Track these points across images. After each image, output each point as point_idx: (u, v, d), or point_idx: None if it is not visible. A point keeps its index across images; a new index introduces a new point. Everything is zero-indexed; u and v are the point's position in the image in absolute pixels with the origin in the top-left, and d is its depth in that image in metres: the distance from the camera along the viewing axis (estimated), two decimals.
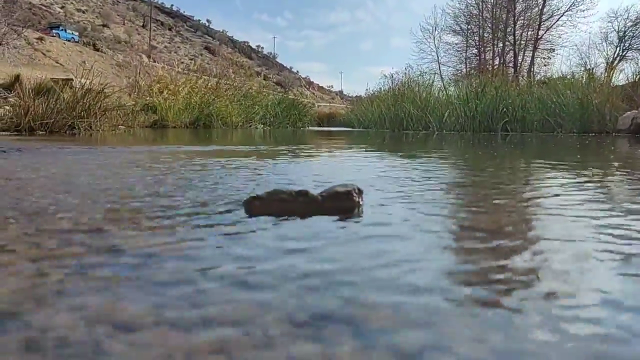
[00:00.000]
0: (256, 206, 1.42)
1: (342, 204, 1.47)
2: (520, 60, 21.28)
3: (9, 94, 10.51)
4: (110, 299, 0.71)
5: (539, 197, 1.76)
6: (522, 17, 21.46)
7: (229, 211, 1.42)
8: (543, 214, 1.45)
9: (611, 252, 0.96)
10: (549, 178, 2.35)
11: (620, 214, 1.41)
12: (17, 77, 11.47)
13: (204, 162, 2.83)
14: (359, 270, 0.86)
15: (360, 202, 1.50)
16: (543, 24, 20.84)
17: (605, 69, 11.21)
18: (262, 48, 76.35)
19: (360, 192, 1.51)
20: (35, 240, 1.03)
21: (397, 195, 1.75)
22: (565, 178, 2.30)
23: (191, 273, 0.82)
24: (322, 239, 1.12)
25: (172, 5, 68.96)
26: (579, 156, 4.10)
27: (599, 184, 2.13)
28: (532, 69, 20.08)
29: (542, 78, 14.77)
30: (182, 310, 0.67)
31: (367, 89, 22.67)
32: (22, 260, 0.89)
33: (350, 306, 0.69)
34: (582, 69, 11.44)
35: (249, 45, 72.90)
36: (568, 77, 11.96)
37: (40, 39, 23.73)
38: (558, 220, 1.32)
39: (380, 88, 17.67)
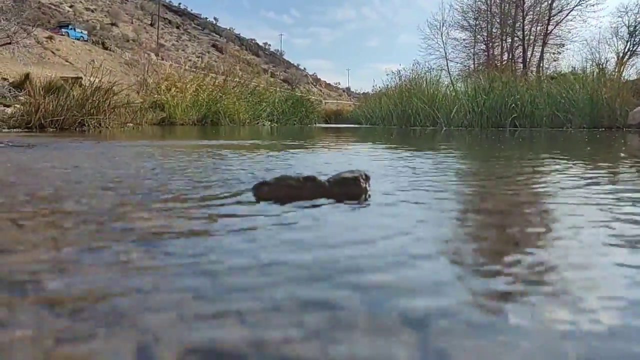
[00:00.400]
0: (264, 191, 1.44)
1: (350, 189, 1.48)
2: (529, 56, 21.14)
3: (19, 92, 10.60)
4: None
5: (544, 185, 1.76)
6: (531, 12, 21.30)
7: (238, 194, 1.49)
8: (546, 199, 1.46)
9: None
10: (555, 170, 2.34)
11: (620, 196, 1.42)
12: (27, 76, 11.56)
13: (216, 154, 2.95)
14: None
15: (368, 188, 1.52)
16: (552, 19, 20.67)
17: (616, 64, 11.11)
18: (269, 45, 76.43)
19: (367, 178, 1.52)
20: (51, 219, 1.08)
21: (406, 182, 1.80)
22: (573, 169, 2.29)
23: (201, 247, 0.86)
24: (328, 215, 1.19)
25: (179, 3, 69.23)
26: (588, 148, 4.07)
27: (604, 172, 2.12)
28: (541, 64, 19.94)
29: (552, 73, 14.64)
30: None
31: (373, 86, 22.53)
32: (39, 237, 0.94)
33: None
34: (592, 63, 11.33)
35: (256, 43, 72.96)
36: (578, 72, 11.86)
37: (50, 37, 23.88)
38: (564, 203, 1.34)
39: (388, 85, 17.61)
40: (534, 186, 1.78)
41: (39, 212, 1.15)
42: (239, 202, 1.35)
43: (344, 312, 0.59)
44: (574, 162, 2.70)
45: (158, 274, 0.73)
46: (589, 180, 1.83)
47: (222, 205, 1.30)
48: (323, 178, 1.46)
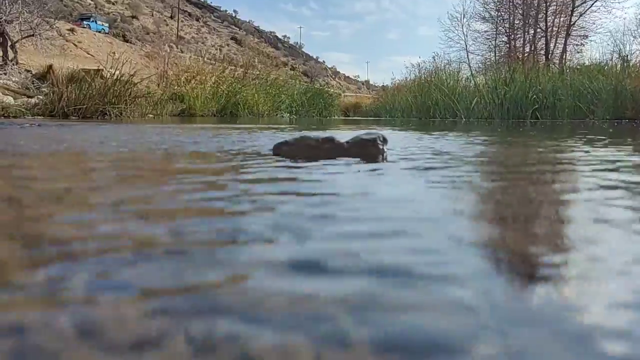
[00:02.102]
0: (284, 150, 1.46)
1: (367, 150, 1.49)
2: (552, 48, 20.74)
3: (42, 83, 10.78)
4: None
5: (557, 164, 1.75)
6: (554, 3, 20.85)
7: (259, 153, 1.72)
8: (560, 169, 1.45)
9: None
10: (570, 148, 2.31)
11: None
12: (50, 67, 11.74)
13: (243, 132, 3.17)
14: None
15: (385, 150, 1.53)
16: (576, 10, 20.21)
17: None
18: (288, 38, 76.23)
19: (385, 140, 1.53)
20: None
21: (421, 151, 1.89)
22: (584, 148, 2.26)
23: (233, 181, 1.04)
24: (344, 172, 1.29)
25: None
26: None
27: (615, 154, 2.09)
28: (564, 56, 19.56)
29: (575, 65, 14.36)
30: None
31: (392, 78, 22.38)
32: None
33: None
34: (617, 55, 11.10)
35: (275, 36, 72.88)
36: (602, 63, 11.64)
37: (72, 30, 24.14)
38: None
39: (407, 77, 17.45)
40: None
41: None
42: (259, 155, 1.63)
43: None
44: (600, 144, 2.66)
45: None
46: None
47: (247, 158, 1.58)
48: (342, 139, 1.49)
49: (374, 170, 1.34)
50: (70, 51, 20.31)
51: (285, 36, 76.25)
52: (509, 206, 0.99)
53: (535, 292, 0.52)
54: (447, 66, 14.73)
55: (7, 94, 8.67)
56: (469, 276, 0.55)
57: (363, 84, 71.78)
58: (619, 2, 19.23)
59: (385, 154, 1.56)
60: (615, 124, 7.62)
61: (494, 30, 22.19)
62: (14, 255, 0.62)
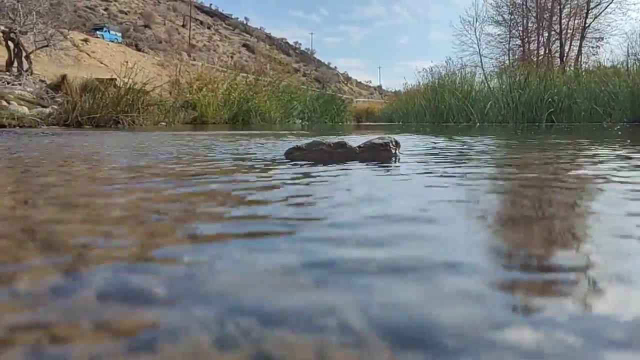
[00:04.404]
0: (296, 155, 1.43)
1: (380, 154, 1.45)
2: (566, 50, 20.52)
3: (56, 93, 10.88)
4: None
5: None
6: (568, 5, 20.64)
7: (274, 158, 1.76)
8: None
9: None
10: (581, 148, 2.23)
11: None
12: (64, 77, 11.85)
13: (255, 138, 3.31)
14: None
15: (398, 153, 1.49)
16: (591, 12, 19.98)
17: None
18: (300, 44, 76.54)
19: (397, 144, 1.49)
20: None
21: (434, 154, 1.92)
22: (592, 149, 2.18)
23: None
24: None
25: (210, 4, 70.01)
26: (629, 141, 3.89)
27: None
28: (579, 59, 19.33)
29: (591, 67, 14.17)
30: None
31: (405, 83, 22.24)
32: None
33: None
34: (634, 57, 10.91)
35: (287, 42, 73.19)
36: (618, 66, 11.46)
37: (86, 40, 24.44)
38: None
39: (419, 82, 17.32)
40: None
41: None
42: (273, 161, 1.68)
43: None
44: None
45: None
46: None
47: (262, 163, 1.65)
48: (354, 144, 1.45)
49: (388, 172, 1.33)
50: (84, 61, 20.54)
51: (297, 42, 76.63)
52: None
53: None
54: (460, 70, 14.61)
55: (22, 104, 8.75)
56: None
57: (375, 89, 71.79)
58: (634, 4, 19.02)
59: (397, 157, 1.51)
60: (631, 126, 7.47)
61: (508, 33, 22.04)
62: None
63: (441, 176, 1.31)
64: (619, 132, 5.17)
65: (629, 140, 3.54)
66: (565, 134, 5.13)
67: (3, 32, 12.79)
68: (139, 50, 33.72)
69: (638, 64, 10.64)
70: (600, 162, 1.81)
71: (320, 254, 0.66)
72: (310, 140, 1.54)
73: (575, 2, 20.56)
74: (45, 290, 0.54)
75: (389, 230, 0.78)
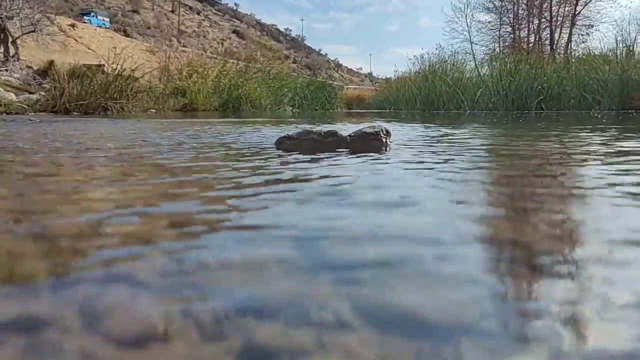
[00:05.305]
0: (287, 144, 1.43)
1: (371, 143, 1.45)
2: (557, 38, 20.55)
3: (43, 79, 10.74)
4: None
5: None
6: None
7: (264, 147, 1.73)
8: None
9: None
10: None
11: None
12: (51, 63, 11.70)
13: (247, 125, 3.29)
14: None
15: (388, 142, 1.50)
16: None
17: None
18: (290, 31, 75.87)
19: (388, 133, 1.50)
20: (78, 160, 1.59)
21: (424, 142, 1.92)
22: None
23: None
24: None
25: None
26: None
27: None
28: (569, 46, 19.37)
29: (580, 55, 14.20)
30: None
31: (395, 70, 22.23)
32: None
33: None
34: (622, 44, 10.96)
35: (277, 29, 72.50)
36: (607, 53, 11.51)
37: (73, 25, 24.04)
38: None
39: (410, 69, 17.29)
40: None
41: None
42: (264, 150, 1.66)
43: None
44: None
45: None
46: None
47: (252, 153, 1.63)
48: (345, 133, 1.45)
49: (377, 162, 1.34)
50: (72, 46, 20.22)
51: (287, 29, 76.06)
52: None
53: None
54: (451, 57, 14.61)
55: (8, 91, 8.62)
56: None
57: (366, 76, 71.55)
58: None
59: (388, 147, 1.52)
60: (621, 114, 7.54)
61: (498, 20, 22.02)
62: None
63: (431, 168, 1.32)
64: (603, 120, 5.22)
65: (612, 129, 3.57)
66: (553, 122, 5.17)
67: None
68: (127, 36, 33.27)
69: (626, 50, 10.70)
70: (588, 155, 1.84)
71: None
72: (300, 129, 1.55)
73: None
74: None
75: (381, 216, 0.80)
